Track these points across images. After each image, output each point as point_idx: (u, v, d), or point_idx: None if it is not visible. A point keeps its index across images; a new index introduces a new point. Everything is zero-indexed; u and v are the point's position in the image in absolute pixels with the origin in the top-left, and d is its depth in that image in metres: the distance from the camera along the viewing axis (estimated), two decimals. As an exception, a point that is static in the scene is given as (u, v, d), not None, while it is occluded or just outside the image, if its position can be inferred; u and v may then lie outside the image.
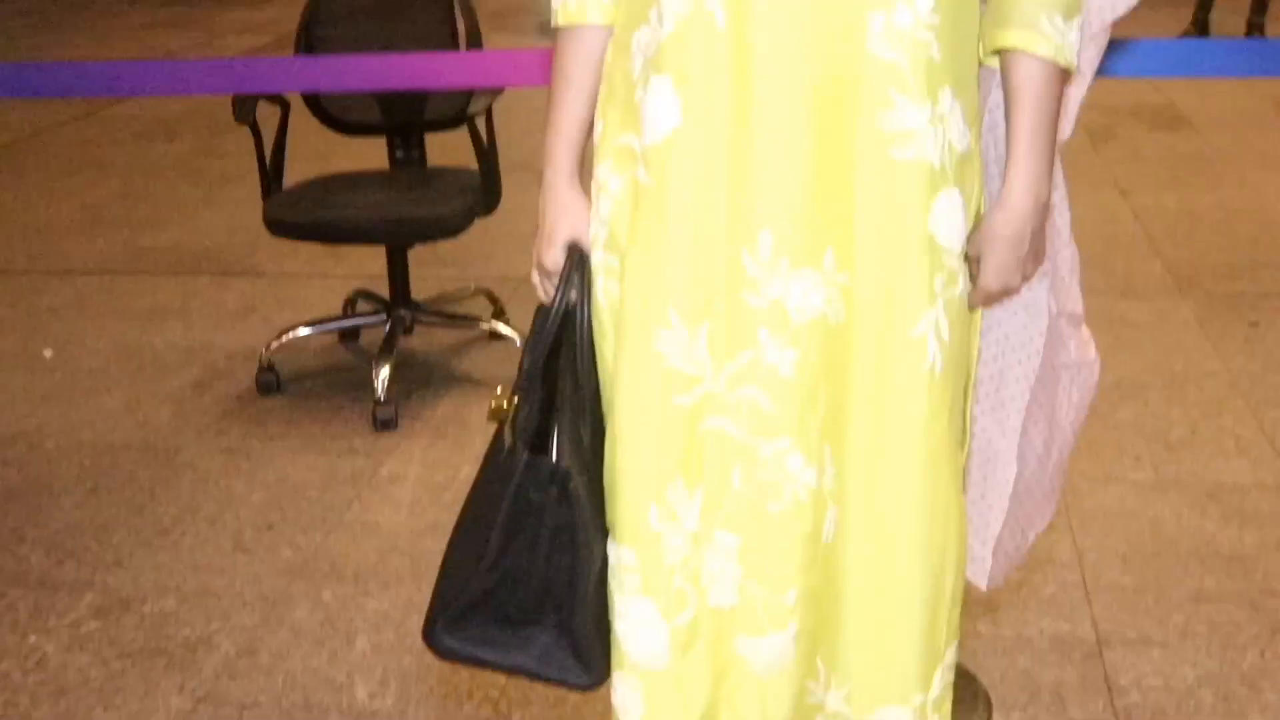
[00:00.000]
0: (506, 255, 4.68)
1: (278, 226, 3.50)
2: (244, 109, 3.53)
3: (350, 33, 3.73)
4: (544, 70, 3.31)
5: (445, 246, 3.96)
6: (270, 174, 3.59)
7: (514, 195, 3.59)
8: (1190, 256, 4.74)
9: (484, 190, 3.51)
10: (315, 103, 3.74)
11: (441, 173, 3.71)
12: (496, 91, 3.63)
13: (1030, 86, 1.50)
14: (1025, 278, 1.55)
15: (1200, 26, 8.97)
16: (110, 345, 4.14)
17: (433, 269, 4.28)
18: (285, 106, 3.67)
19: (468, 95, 3.64)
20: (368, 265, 4.13)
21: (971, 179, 1.55)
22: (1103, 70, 1.80)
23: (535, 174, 1.66)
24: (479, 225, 3.61)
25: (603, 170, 1.58)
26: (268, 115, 3.63)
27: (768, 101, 1.44)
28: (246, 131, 3.59)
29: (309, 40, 3.71)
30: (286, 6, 10.94)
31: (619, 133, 1.56)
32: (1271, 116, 6.89)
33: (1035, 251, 1.55)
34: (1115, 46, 2.41)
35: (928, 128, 1.46)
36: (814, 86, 1.44)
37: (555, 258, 1.62)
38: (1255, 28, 8.79)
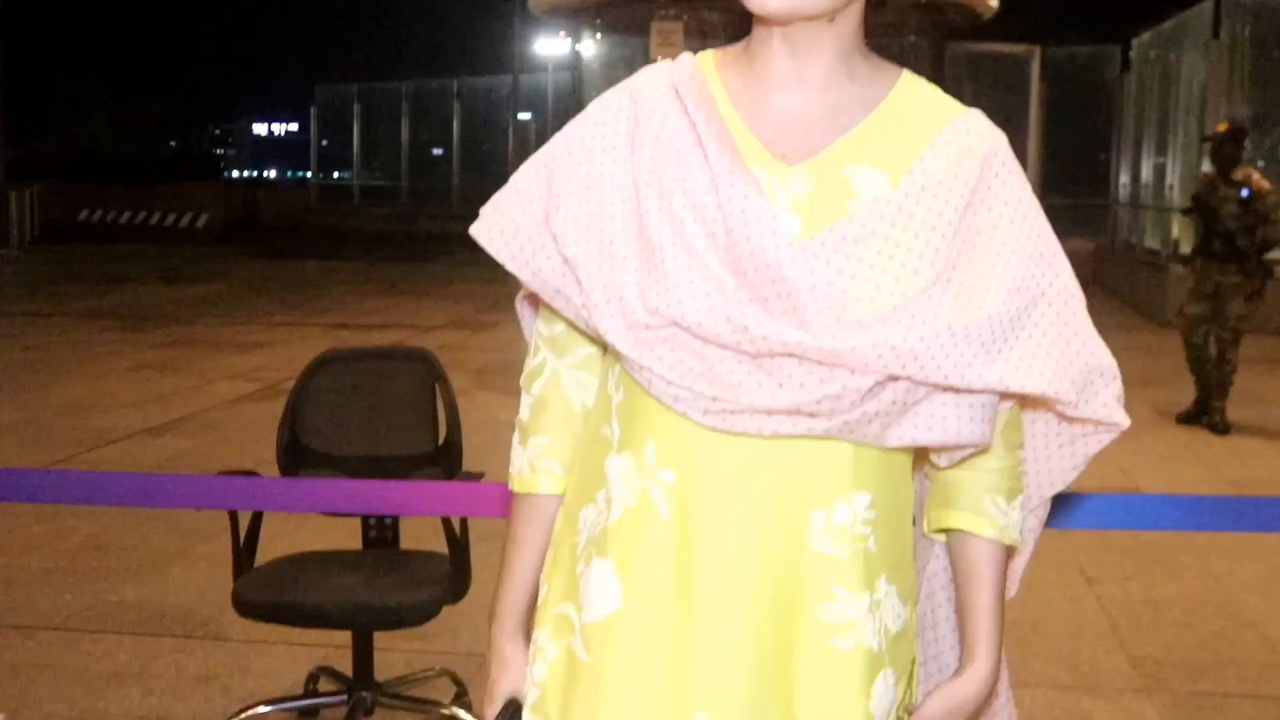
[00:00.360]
0: (474, 629, 4.65)
1: (246, 608, 3.48)
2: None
3: (335, 426, 3.80)
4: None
5: (412, 622, 3.93)
6: (243, 553, 3.59)
7: (485, 569, 3.57)
8: (1155, 651, 4.72)
9: (454, 580, 3.52)
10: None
11: (413, 557, 3.72)
12: (474, 477, 3.68)
13: (979, 565, 1.57)
14: None
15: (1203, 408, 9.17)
16: (66, 710, 4.07)
17: (398, 641, 4.25)
18: (262, 485, 3.70)
19: (445, 478, 3.69)
20: (334, 636, 4.08)
21: (905, 653, 1.57)
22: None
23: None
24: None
25: (542, 635, 1.60)
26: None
27: (710, 593, 1.46)
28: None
29: (294, 432, 3.77)
30: (273, 355, 11.28)
31: (559, 601, 1.58)
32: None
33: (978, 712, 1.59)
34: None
35: (866, 616, 1.48)
36: (756, 579, 1.46)
37: (492, 713, 1.64)
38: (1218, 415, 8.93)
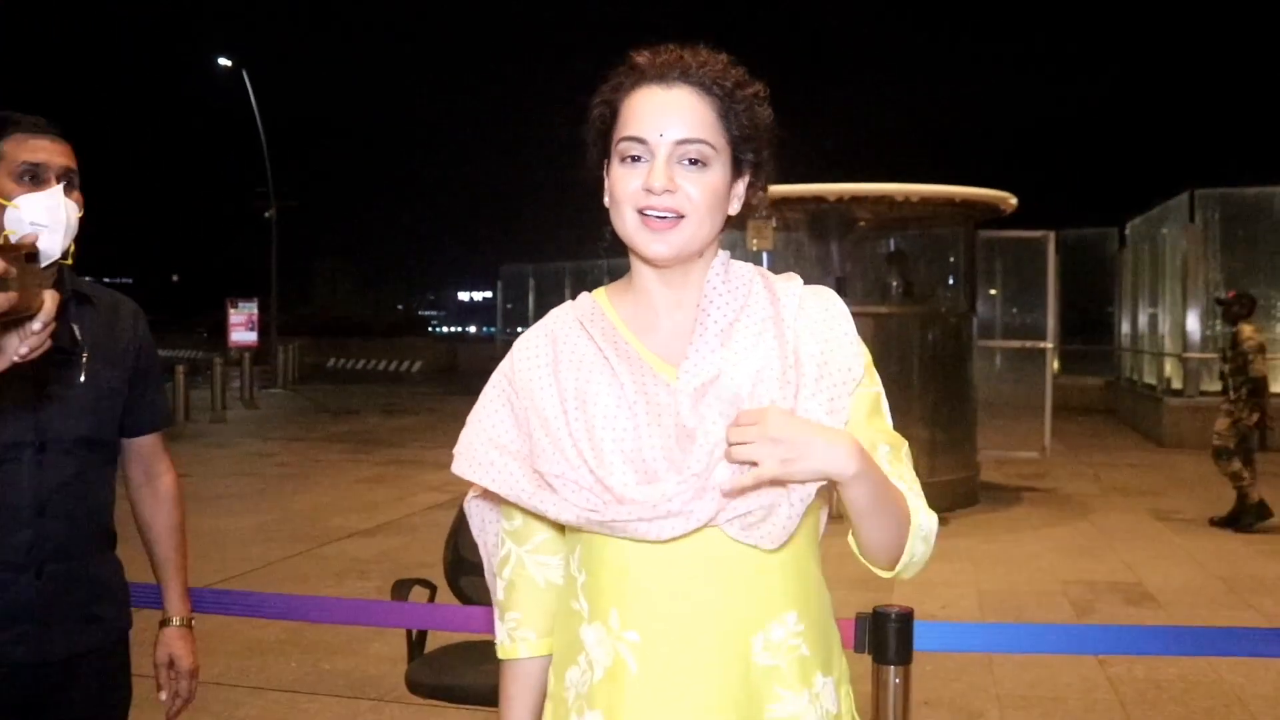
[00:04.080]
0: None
1: (415, 688, 3.40)
2: (400, 590, 3.49)
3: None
4: None
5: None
6: (414, 643, 3.50)
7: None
8: (1157, 725, 4.42)
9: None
10: (456, 587, 3.69)
11: (547, 647, 3.60)
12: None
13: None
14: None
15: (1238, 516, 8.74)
16: (284, 762, 3.98)
17: None
18: (433, 590, 3.62)
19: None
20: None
21: None
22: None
23: None
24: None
25: None
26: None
27: (682, 717, 1.41)
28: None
29: (457, 549, 3.69)
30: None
31: None
32: (1223, 593, 6.59)
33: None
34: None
35: (808, 707, 1.44)
36: (717, 699, 1.41)
37: None
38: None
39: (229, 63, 32.04)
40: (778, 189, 8.94)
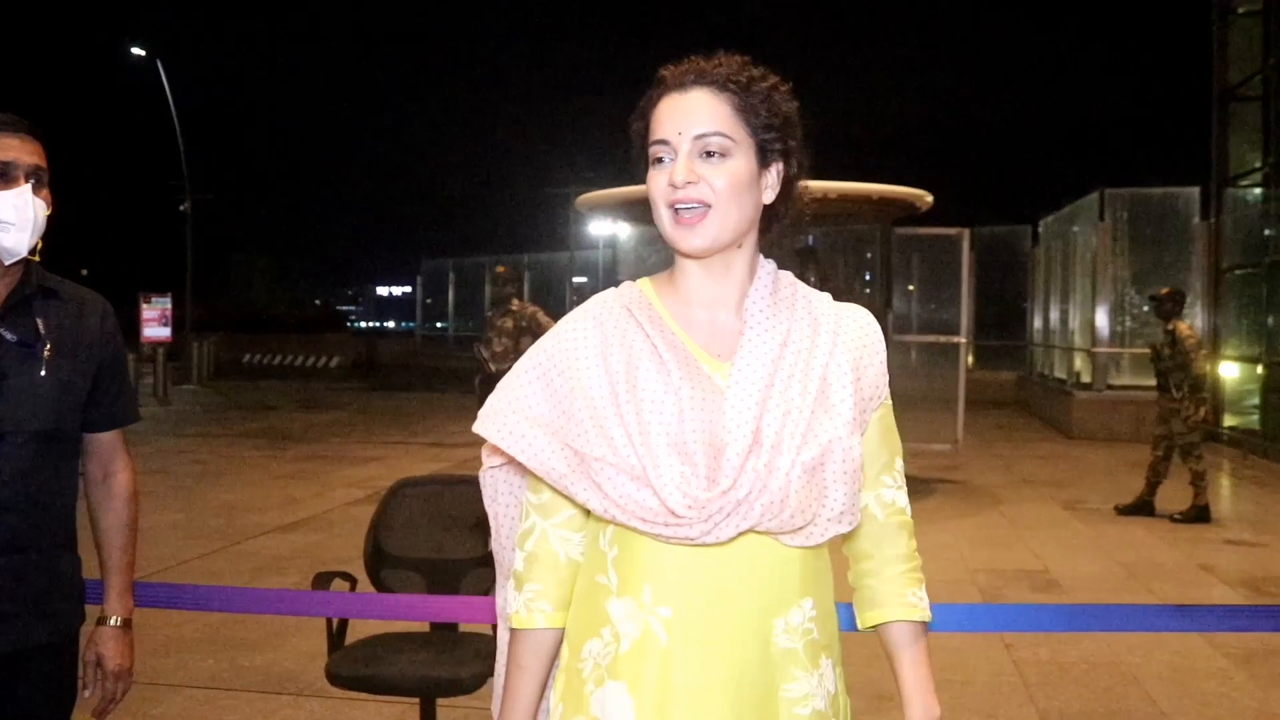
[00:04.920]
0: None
1: (335, 680, 3.43)
2: (320, 583, 3.52)
3: (408, 536, 3.75)
4: None
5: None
6: (335, 635, 3.54)
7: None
8: (1059, 704, 4.58)
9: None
10: (377, 579, 3.72)
11: (468, 638, 3.65)
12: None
13: (912, 643, 1.64)
14: None
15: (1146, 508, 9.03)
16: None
17: (461, 700, 4.16)
18: (353, 582, 3.66)
19: (492, 577, 3.63)
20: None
21: (840, 703, 1.61)
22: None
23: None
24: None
25: None
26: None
27: (703, 690, 1.49)
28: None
29: (377, 541, 3.72)
30: (382, 467, 11.26)
31: (574, 715, 1.56)
32: (1124, 579, 6.83)
33: None
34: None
35: (816, 687, 1.54)
36: (738, 674, 1.49)
37: None
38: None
39: (142, 52, 31.41)
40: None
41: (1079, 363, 16.05)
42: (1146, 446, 9.49)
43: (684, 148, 1.52)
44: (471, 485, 3.86)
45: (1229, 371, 14.86)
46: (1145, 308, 14.86)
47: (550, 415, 1.54)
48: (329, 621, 3.52)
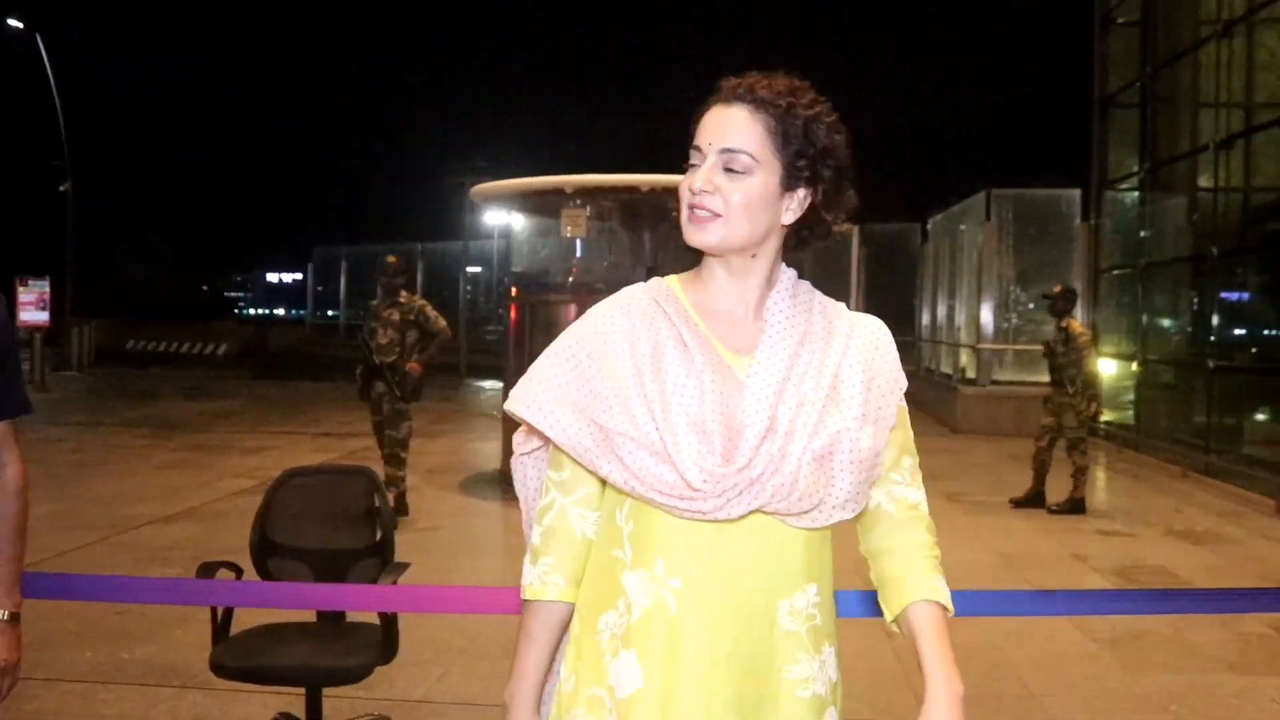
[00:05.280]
0: (408, 681, 4.59)
1: (220, 671, 3.40)
2: (205, 573, 3.49)
3: (296, 526, 3.73)
4: (442, 600, 3.28)
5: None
6: (219, 625, 3.50)
7: (409, 640, 3.50)
8: (936, 690, 4.73)
9: (384, 647, 3.46)
10: (264, 569, 3.70)
11: (354, 628, 3.65)
12: (403, 567, 3.63)
13: (936, 624, 1.72)
14: None
15: (1038, 498, 9.27)
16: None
17: (348, 690, 4.14)
18: (239, 572, 3.63)
19: (380, 568, 3.64)
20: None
21: (839, 691, 1.71)
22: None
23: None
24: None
25: (578, 714, 1.63)
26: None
27: (708, 665, 1.57)
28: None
29: (264, 531, 3.70)
30: (270, 457, 11.09)
31: (590, 686, 1.62)
32: (1001, 568, 7.06)
33: None
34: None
35: (818, 672, 1.63)
36: (743, 652, 1.58)
37: None
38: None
39: (20, 24, 30.31)
40: (591, 178, 9.11)
41: (965, 358, 16.46)
42: (1028, 440, 9.79)
43: (710, 158, 1.61)
44: (360, 475, 3.87)
45: (1106, 368, 15.38)
46: (1032, 305, 15.31)
47: (578, 395, 1.62)
48: (213, 612, 3.49)
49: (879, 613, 2.26)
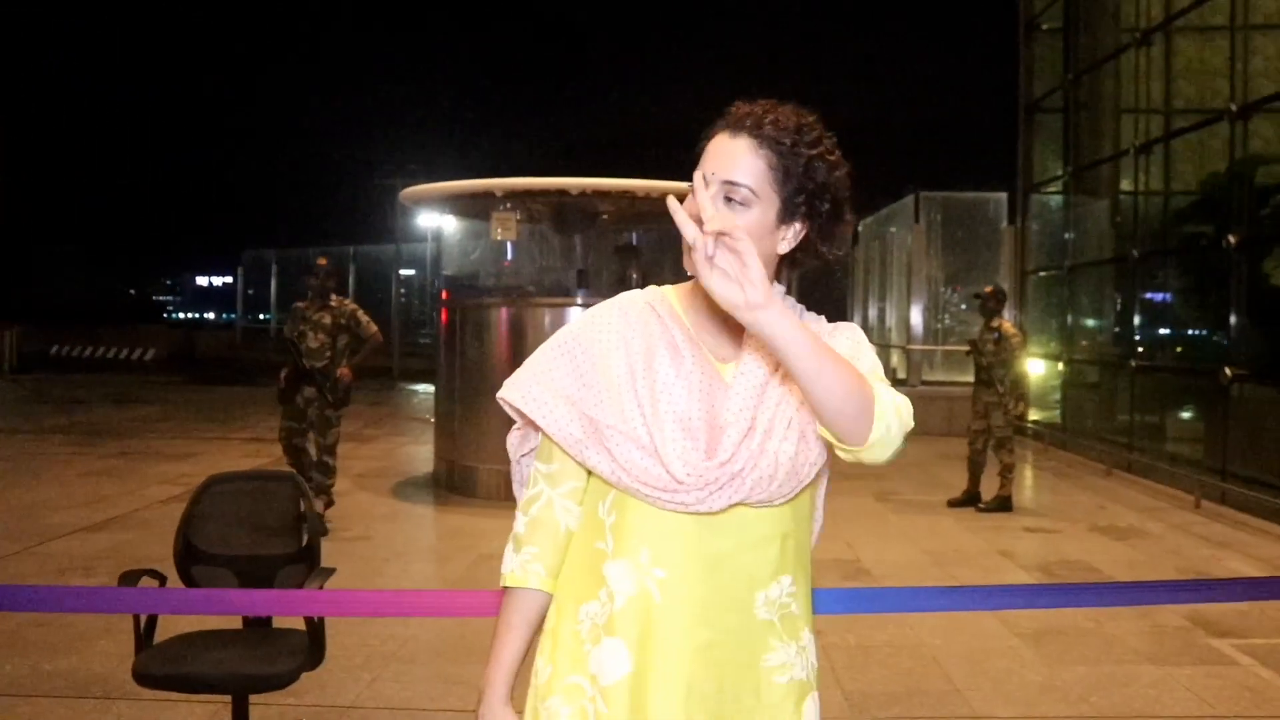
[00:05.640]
0: (338, 687, 4.57)
1: (143, 680, 3.36)
2: (127, 581, 3.45)
3: (221, 533, 3.70)
4: (368, 604, 3.27)
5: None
6: (142, 633, 3.47)
7: (335, 645, 3.48)
8: (863, 686, 4.80)
9: (311, 651, 3.44)
10: (188, 576, 3.67)
11: (281, 634, 3.63)
12: (328, 572, 3.62)
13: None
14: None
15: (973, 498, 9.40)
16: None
17: (277, 696, 4.12)
18: (162, 580, 3.59)
19: (307, 573, 3.63)
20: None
21: (817, 680, 1.76)
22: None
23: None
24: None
25: (554, 702, 1.68)
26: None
27: (689, 653, 1.63)
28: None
29: (187, 538, 3.67)
30: (198, 463, 10.95)
31: (568, 674, 1.67)
32: (929, 565, 7.17)
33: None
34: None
35: (796, 657, 1.70)
36: (722, 640, 1.64)
37: None
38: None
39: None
40: (520, 181, 9.11)
41: (895, 359, 16.67)
42: (958, 439, 9.95)
43: (713, 189, 1.62)
44: (285, 481, 3.85)
45: (1034, 369, 15.66)
46: (964, 306, 15.55)
47: (571, 388, 1.68)
48: (135, 620, 3.45)
49: (856, 609, 2.34)
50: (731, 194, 1.62)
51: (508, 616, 1.73)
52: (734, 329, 1.72)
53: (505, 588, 1.75)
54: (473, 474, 9.33)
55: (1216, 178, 12.33)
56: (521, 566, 1.73)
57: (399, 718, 4.37)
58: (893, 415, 1.58)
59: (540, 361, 1.73)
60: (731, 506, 1.63)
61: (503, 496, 9.11)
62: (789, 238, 1.68)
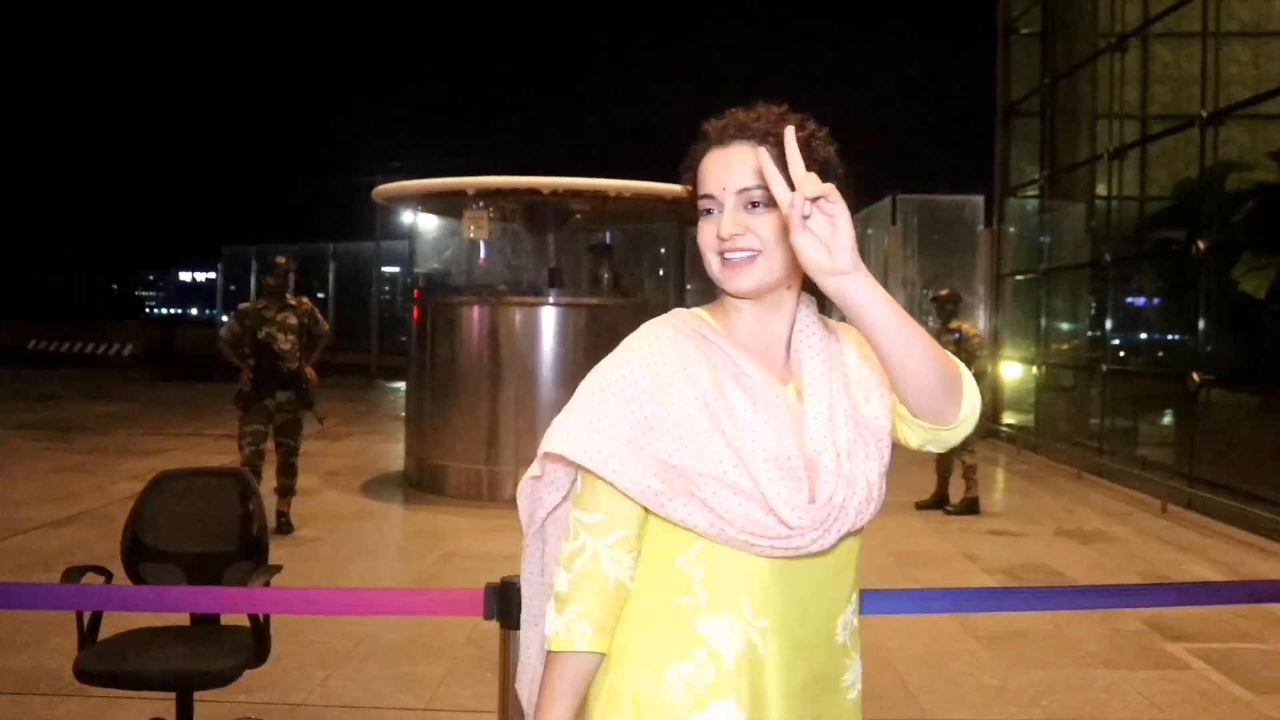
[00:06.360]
0: (290, 683, 4.56)
1: (85, 677, 3.34)
2: (70, 577, 3.44)
3: (169, 529, 3.69)
4: (314, 602, 3.24)
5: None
6: (86, 630, 3.45)
7: (281, 639, 3.45)
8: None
9: (255, 650, 3.44)
10: (135, 573, 3.66)
11: (227, 631, 3.62)
12: (274, 569, 3.61)
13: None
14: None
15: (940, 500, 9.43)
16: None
17: (226, 693, 4.11)
18: (108, 576, 3.58)
19: (251, 572, 3.62)
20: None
21: None
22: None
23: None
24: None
25: None
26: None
27: (795, 690, 1.57)
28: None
29: (135, 535, 3.65)
30: (169, 459, 10.91)
31: None
32: (893, 566, 7.18)
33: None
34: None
35: (859, 674, 1.68)
36: (818, 671, 1.60)
37: None
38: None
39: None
40: (493, 180, 9.10)
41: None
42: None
43: (729, 202, 1.57)
44: (233, 478, 3.84)
45: (1010, 372, 15.72)
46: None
47: (633, 432, 1.54)
48: (79, 617, 3.44)
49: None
50: (752, 198, 1.57)
51: (554, 683, 1.58)
52: (781, 348, 1.65)
53: (550, 652, 1.60)
54: (442, 472, 9.33)
55: (1189, 183, 12.41)
56: (566, 628, 1.58)
57: (348, 715, 4.36)
58: (975, 392, 1.58)
59: (588, 407, 1.57)
60: (840, 540, 1.57)
61: (472, 495, 9.12)
62: None
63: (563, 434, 1.55)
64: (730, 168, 1.58)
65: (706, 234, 1.60)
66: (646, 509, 1.56)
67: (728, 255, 1.58)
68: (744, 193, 1.56)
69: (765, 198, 1.55)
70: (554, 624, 1.60)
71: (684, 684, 1.54)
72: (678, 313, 1.68)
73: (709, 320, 1.65)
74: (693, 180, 1.64)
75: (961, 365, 1.58)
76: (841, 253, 1.38)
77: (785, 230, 1.51)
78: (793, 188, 1.44)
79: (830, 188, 1.38)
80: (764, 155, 1.44)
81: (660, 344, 1.60)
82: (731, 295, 1.62)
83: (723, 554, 1.55)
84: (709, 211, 1.60)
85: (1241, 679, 5.09)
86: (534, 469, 1.67)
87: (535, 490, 1.69)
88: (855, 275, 1.39)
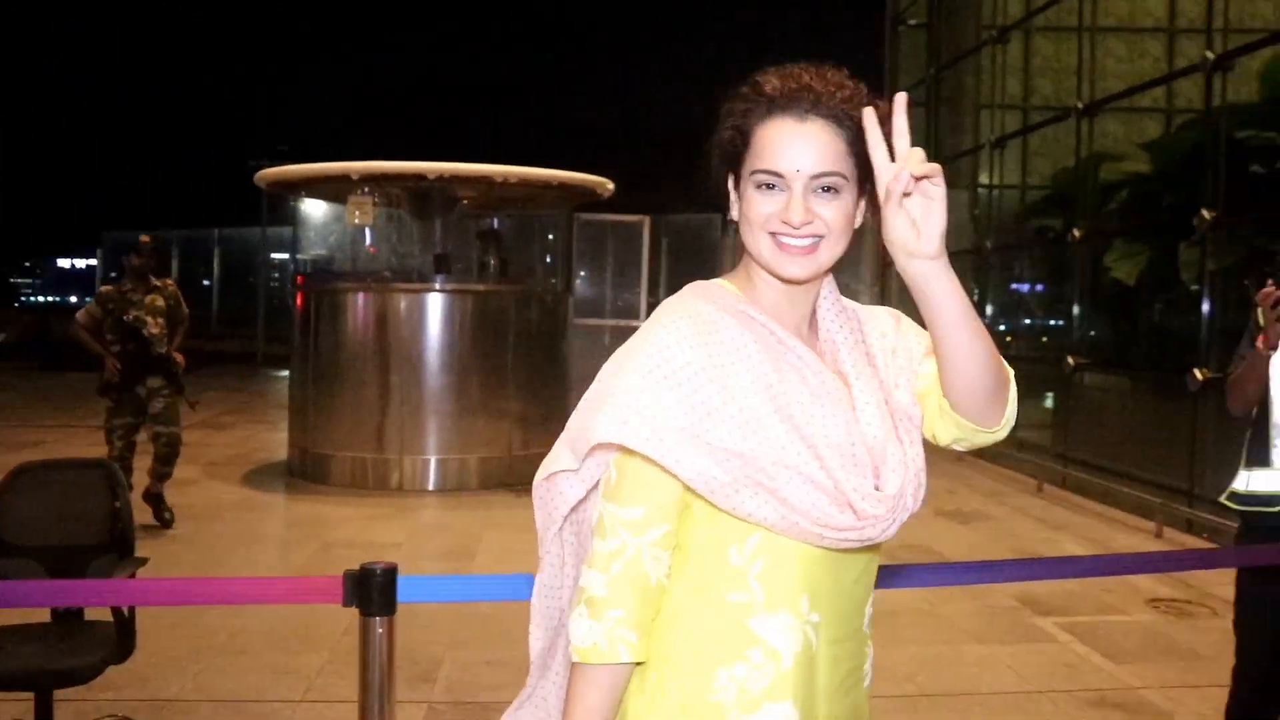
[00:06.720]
0: (161, 680, 4.48)
1: (-64, 676, 3.26)
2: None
3: (31, 522, 3.61)
4: (180, 593, 3.17)
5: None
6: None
7: (146, 633, 3.40)
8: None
9: (119, 645, 3.37)
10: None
11: (90, 626, 3.55)
12: (140, 561, 3.55)
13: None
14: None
15: None
16: None
17: (92, 691, 4.02)
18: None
19: (115, 562, 3.55)
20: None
21: None
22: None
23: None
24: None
25: None
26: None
27: (841, 680, 1.53)
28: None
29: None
30: (40, 452, 10.59)
31: None
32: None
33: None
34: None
35: (873, 660, 1.61)
36: (854, 659, 1.55)
37: None
38: None
39: None
40: (377, 165, 9.01)
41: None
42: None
43: (799, 186, 1.45)
44: (96, 469, 3.76)
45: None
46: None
47: (689, 418, 1.42)
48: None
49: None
50: (825, 184, 1.46)
51: (589, 699, 1.44)
52: (804, 328, 1.56)
53: (583, 665, 1.44)
54: (326, 461, 9.21)
55: (1066, 173, 12.78)
56: (607, 637, 1.42)
57: (221, 710, 4.30)
58: (1015, 398, 1.54)
59: (637, 393, 1.43)
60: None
61: (357, 484, 9.03)
62: (861, 209, 1.52)
63: (619, 423, 1.41)
64: (808, 150, 1.45)
65: (761, 209, 1.47)
66: (709, 501, 1.43)
67: (786, 239, 1.47)
68: (817, 178, 1.45)
69: (836, 184, 1.46)
70: (590, 633, 1.44)
71: (737, 687, 1.45)
72: (703, 286, 1.56)
73: (741, 295, 1.53)
74: (740, 141, 1.49)
75: (1011, 371, 1.54)
76: (932, 236, 1.34)
77: (849, 217, 1.49)
78: (859, 173, 1.44)
79: (937, 168, 1.32)
80: (870, 119, 1.36)
81: (702, 322, 1.47)
82: (781, 280, 1.51)
83: (783, 547, 1.45)
84: (771, 186, 1.47)
85: (1104, 650, 5.30)
86: (562, 461, 1.51)
87: (559, 487, 1.55)
88: (939, 261, 1.36)
